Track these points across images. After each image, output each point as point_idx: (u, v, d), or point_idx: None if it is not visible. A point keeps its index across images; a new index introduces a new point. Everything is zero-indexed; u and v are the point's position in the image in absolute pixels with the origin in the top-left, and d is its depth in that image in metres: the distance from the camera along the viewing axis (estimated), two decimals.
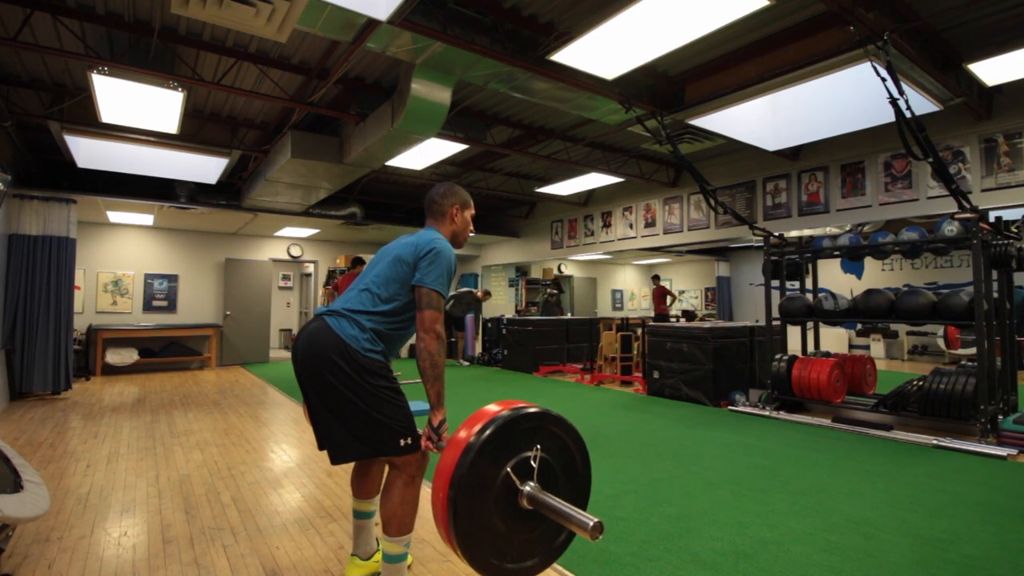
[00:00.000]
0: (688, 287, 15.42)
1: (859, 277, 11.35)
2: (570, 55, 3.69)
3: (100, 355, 8.29)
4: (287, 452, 4.00)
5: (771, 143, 5.74)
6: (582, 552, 2.29)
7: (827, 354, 5.55)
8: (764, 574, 2.12)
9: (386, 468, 1.94)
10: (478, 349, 10.60)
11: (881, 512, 2.75)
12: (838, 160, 6.17)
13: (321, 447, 1.87)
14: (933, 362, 9.82)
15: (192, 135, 5.83)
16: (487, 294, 9.54)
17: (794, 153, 6.50)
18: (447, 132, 5.43)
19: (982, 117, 5.02)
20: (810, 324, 5.86)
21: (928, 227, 4.93)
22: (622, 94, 4.50)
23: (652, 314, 12.55)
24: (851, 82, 4.59)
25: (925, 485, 3.17)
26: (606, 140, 6.66)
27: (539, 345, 8.62)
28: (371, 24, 3.30)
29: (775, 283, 5.69)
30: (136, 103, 4.40)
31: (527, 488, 1.53)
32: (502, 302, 12.63)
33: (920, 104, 4.35)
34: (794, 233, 6.98)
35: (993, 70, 4.22)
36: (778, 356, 5.29)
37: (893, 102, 3.69)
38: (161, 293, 9.29)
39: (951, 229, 4.49)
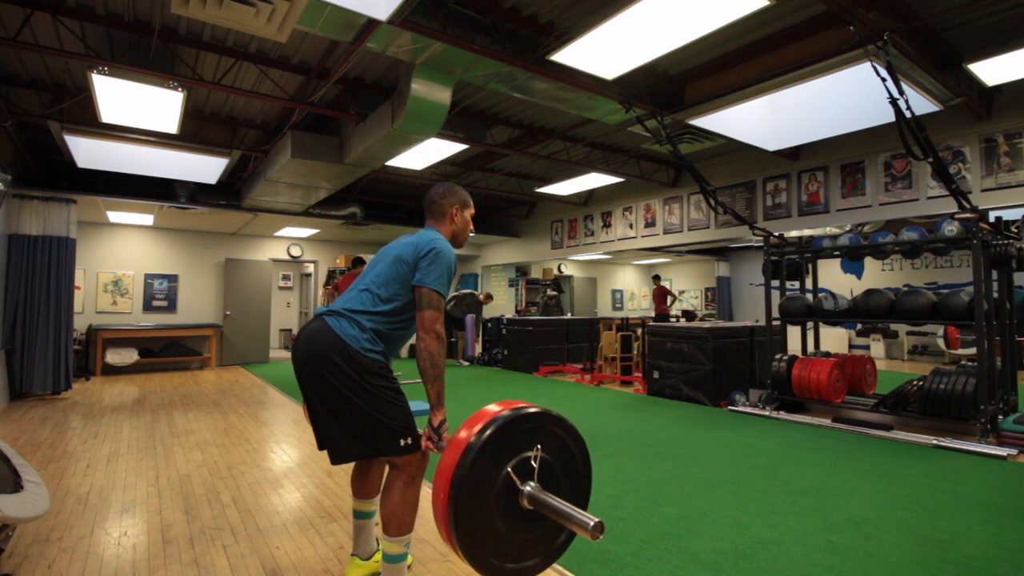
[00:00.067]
0: (688, 287, 15.42)
1: (859, 277, 11.35)
2: (570, 55, 3.69)
3: (100, 355, 8.29)
4: (287, 452, 4.00)
5: (771, 143, 5.74)
6: (582, 552, 2.29)
7: (827, 354, 5.55)
8: (764, 574, 2.12)
9: (386, 468, 1.94)
10: (478, 349, 10.60)
11: (881, 512, 2.75)
12: (838, 160, 6.17)
13: (321, 447, 1.87)
14: (933, 362, 9.82)
15: (192, 135, 5.83)
16: (489, 297, 9.55)
17: (794, 153, 6.50)
18: (447, 132, 5.43)
19: (982, 117, 5.02)
20: (810, 324, 5.87)
21: (928, 227, 4.93)
22: (622, 94, 4.50)
23: (652, 314, 12.55)
24: (851, 82, 4.59)
25: (925, 485, 3.17)
26: (606, 140, 6.66)
27: (539, 345, 8.62)
28: (371, 24, 3.30)
29: (775, 283, 5.69)
30: (136, 103, 4.40)
31: (528, 488, 1.53)
32: (502, 302, 12.63)
33: (920, 104, 4.35)
34: (794, 233, 6.98)
35: (993, 70, 4.22)
36: (778, 356, 5.29)
37: (893, 102, 3.69)
38: (161, 293, 9.29)
39: (951, 229, 4.49)
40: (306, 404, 1.92)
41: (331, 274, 10.56)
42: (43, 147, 6.40)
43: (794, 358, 5.23)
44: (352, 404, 1.76)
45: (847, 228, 7.38)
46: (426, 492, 2.75)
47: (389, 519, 1.80)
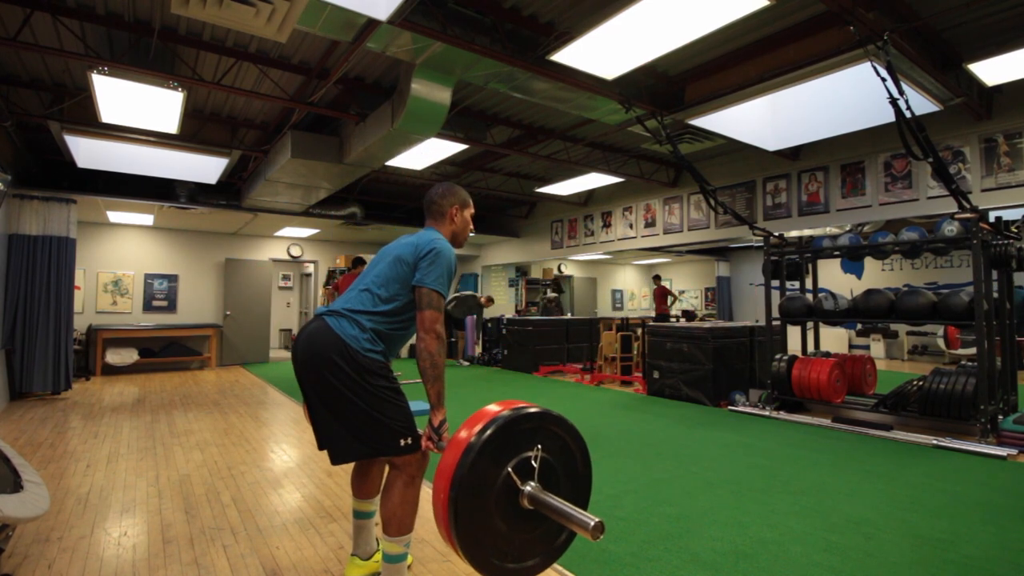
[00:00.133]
0: (688, 287, 15.42)
1: (859, 277, 11.35)
2: (570, 55, 3.69)
3: (100, 355, 8.29)
4: (287, 452, 4.00)
5: (771, 143, 5.74)
6: (582, 552, 2.29)
7: (827, 354, 5.55)
8: (764, 574, 2.12)
9: (386, 468, 1.94)
10: (478, 349, 10.60)
11: (881, 512, 2.75)
12: (838, 160, 6.17)
13: (321, 447, 1.87)
14: (933, 362, 9.82)
15: (192, 135, 5.83)
16: (490, 300, 9.55)
17: (794, 153, 6.50)
18: (447, 132, 5.43)
19: (982, 117, 5.02)
20: (810, 324, 5.86)
21: (928, 227, 4.93)
22: (622, 94, 4.50)
23: (652, 314, 12.55)
24: (851, 82, 4.59)
25: (925, 485, 3.17)
26: (606, 140, 6.66)
27: (539, 345, 8.62)
28: (371, 24, 3.30)
29: (775, 283, 5.69)
30: (136, 103, 4.40)
31: (528, 488, 1.53)
32: (502, 302, 12.63)
33: (920, 104, 4.35)
34: (794, 233, 6.98)
35: (993, 70, 4.23)
36: (778, 356, 5.29)
37: (893, 102, 3.69)
38: (161, 293, 9.29)
39: (951, 229, 4.49)
40: (306, 404, 1.92)
41: (331, 274, 10.56)
42: (43, 147, 6.40)
43: (794, 358, 5.23)
44: (352, 404, 1.77)
45: (847, 228, 7.38)
46: (426, 492, 2.75)
47: (389, 519, 1.80)
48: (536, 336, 8.63)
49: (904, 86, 3.81)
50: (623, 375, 7.37)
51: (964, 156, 5.20)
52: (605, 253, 10.22)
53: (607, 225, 9.03)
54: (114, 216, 8.27)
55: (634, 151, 7.16)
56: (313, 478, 3.39)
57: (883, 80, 3.62)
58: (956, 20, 3.95)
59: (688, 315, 11.46)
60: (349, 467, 2.73)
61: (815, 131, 5.39)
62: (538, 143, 6.43)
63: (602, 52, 3.65)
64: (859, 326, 10.89)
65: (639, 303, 16.44)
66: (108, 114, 4.59)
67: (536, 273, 13.70)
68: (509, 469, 1.52)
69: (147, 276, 9.20)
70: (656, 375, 6.29)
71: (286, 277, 12.47)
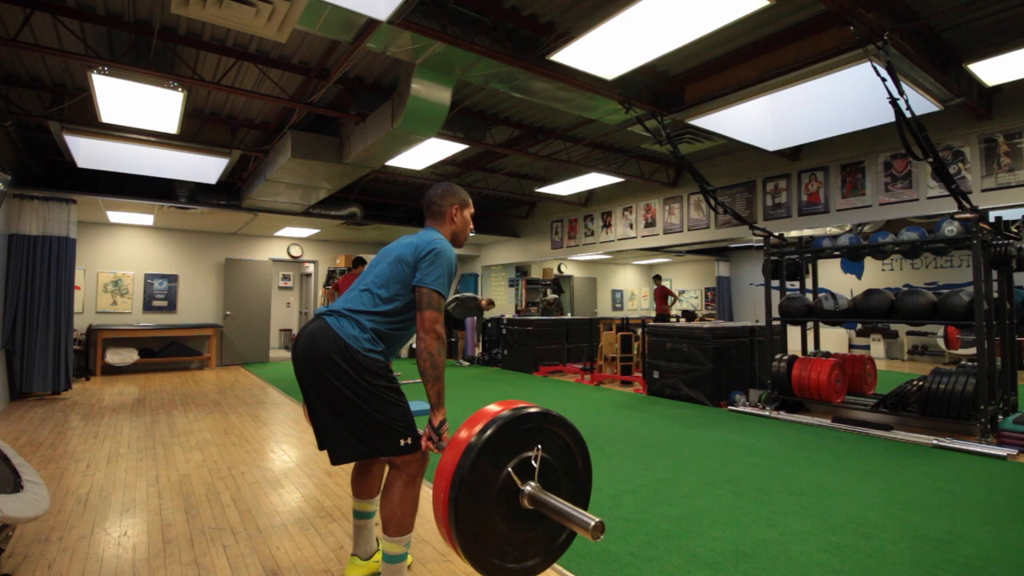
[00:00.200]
0: (688, 287, 15.42)
1: (859, 277, 11.35)
2: (570, 55, 3.69)
3: (100, 355, 8.29)
4: (287, 452, 4.00)
5: (771, 143, 5.74)
6: (582, 552, 2.29)
7: (827, 354, 5.55)
8: (764, 574, 2.12)
9: (386, 468, 1.94)
10: (478, 350, 10.61)
11: (881, 512, 2.75)
12: (838, 160, 6.17)
13: (321, 447, 1.87)
14: (933, 362, 9.82)
15: (192, 135, 5.83)
16: (491, 304, 9.55)
17: (794, 153, 6.50)
18: (447, 132, 5.43)
19: (982, 117, 5.02)
20: (810, 324, 5.86)
21: (928, 227, 4.93)
22: (622, 94, 4.50)
23: (652, 314, 12.54)
24: (851, 82, 4.59)
25: (925, 485, 3.18)
26: (606, 140, 6.66)
27: (539, 345, 8.62)
28: (371, 24, 3.30)
29: (775, 283, 5.69)
30: (136, 103, 4.40)
31: (528, 488, 1.53)
32: (502, 302, 12.63)
33: (920, 104, 4.35)
34: (794, 233, 6.98)
35: (993, 70, 4.22)
36: (778, 356, 5.29)
37: (893, 102, 3.69)
38: (161, 293, 9.29)
39: (951, 229, 4.49)
40: (306, 404, 1.92)
41: (331, 274, 10.56)
42: (43, 147, 6.40)
43: (794, 358, 5.23)
44: (352, 404, 1.77)
45: (847, 228, 7.38)
46: (426, 492, 2.75)
47: (389, 519, 1.80)
48: (536, 336, 8.63)
49: (904, 86, 3.81)
50: (623, 375, 7.37)
51: (964, 156, 5.20)
52: (605, 253, 10.22)
53: (607, 225, 9.03)
54: (114, 216, 8.27)
55: (634, 151, 7.16)
56: (313, 478, 3.39)
57: (883, 80, 3.63)
58: (956, 20, 3.95)
59: (688, 315, 11.46)
60: (349, 467, 2.73)
61: (815, 131, 5.39)
62: (538, 143, 6.43)
63: (602, 52, 3.65)
64: (859, 326, 10.90)
65: (639, 303, 16.44)
66: (108, 114, 4.59)
67: (536, 273, 13.70)
68: (509, 469, 1.52)
69: (147, 276, 9.20)
70: (656, 375, 6.29)
71: (286, 277, 12.47)
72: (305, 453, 3.96)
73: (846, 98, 4.99)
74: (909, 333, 10.46)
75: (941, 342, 9.70)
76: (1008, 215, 5.11)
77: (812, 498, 2.95)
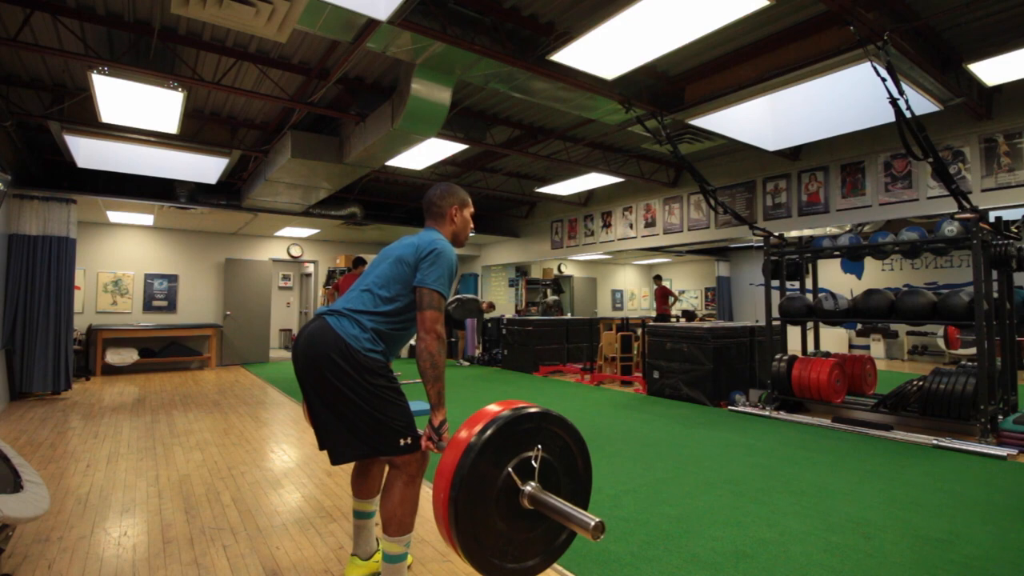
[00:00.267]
0: (688, 287, 15.42)
1: (859, 277, 11.35)
2: (570, 55, 3.69)
3: (100, 355, 8.29)
4: (287, 452, 4.00)
5: (771, 143, 5.74)
6: (582, 552, 2.29)
7: (827, 354, 5.55)
8: (764, 574, 2.12)
9: (386, 468, 1.94)
10: (478, 350, 10.61)
11: (881, 512, 2.75)
12: (838, 160, 6.17)
13: (322, 447, 1.87)
14: (933, 362, 9.82)
15: (192, 135, 5.83)
16: (491, 306, 9.56)
17: (794, 153, 6.50)
18: (447, 132, 5.43)
19: (982, 117, 5.02)
20: (810, 324, 5.86)
21: (928, 227, 4.93)
22: (622, 94, 4.50)
23: (652, 314, 12.54)
24: (851, 82, 4.59)
25: (925, 485, 3.18)
26: (606, 140, 6.66)
27: (539, 345, 8.62)
28: (371, 24, 3.30)
29: (775, 283, 5.69)
30: (136, 103, 4.40)
31: (528, 488, 1.53)
32: (502, 302, 12.63)
33: (920, 104, 4.35)
34: (794, 233, 6.98)
35: (993, 70, 4.22)
36: (778, 356, 5.29)
37: (893, 102, 3.69)
38: (161, 293, 9.29)
39: (951, 229, 4.49)
40: (306, 404, 1.92)
41: (331, 274, 10.56)
42: (43, 147, 6.40)
43: (794, 358, 5.23)
44: (352, 404, 1.77)
45: (847, 228, 7.38)
46: (426, 492, 2.75)
47: (389, 519, 1.81)
48: (536, 336, 8.63)
49: (904, 86, 3.81)
50: (623, 375, 7.38)
51: (964, 156, 5.20)
52: (605, 253, 10.22)
53: (607, 225, 9.03)
54: (114, 216, 8.27)
55: (634, 151, 7.16)
56: (313, 478, 3.39)
57: (883, 80, 3.63)
58: (956, 20, 3.95)
59: (688, 315, 11.46)
60: (349, 467, 2.73)
61: (815, 131, 5.39)
62: (538, 143, 6.43)
63: (602, 52, 3.65)
64: (859, 326, 10.90)
65: (639, 303, 16.44)
66: (108, 114, 4.59)
67: (536, 273, 13.70)
68: (509, 469, 1.52)
69: (147, 276, 9.20)
70: (656, 375, 6.29)
71: (286, 277, 12.47)
72: (305, 453, 3.96)
73: (846, 98, 5.00)
74: (909, 333, 10.46)
75: (941, 342, 9.70)
76: (1008, 215, 5.10)
77: (812, 498, 2.95)
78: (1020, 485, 3.18)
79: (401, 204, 9.61)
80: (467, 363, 9.97)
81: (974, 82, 4.60)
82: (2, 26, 3.79)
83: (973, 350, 5.31)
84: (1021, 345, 7.02)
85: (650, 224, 8.31)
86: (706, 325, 6.26)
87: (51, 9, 3.56)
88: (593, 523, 1.38)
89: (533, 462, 1.55)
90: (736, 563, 2.20)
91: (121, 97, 4.27)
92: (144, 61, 4.01)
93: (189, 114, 5.44)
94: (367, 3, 3.00)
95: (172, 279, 9.41)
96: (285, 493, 3.12)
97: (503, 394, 6.56)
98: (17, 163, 6.20)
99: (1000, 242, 4.38)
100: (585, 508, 1.66)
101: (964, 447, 3.91)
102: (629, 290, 16.25)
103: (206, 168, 6.50)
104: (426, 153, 5.95)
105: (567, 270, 14.29)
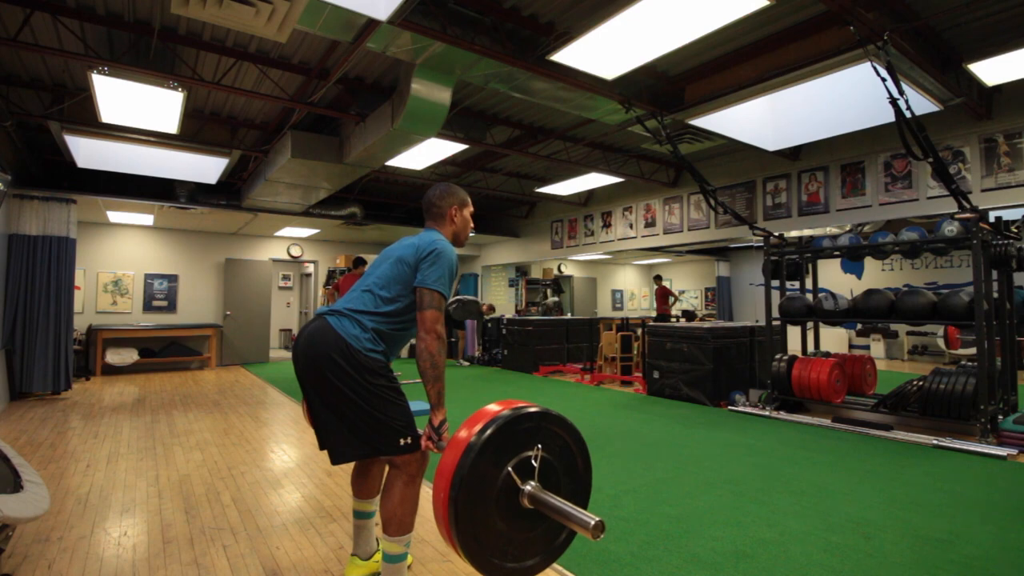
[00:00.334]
0: (688, 287, 15.42)
1: (859, 277, 11.35)
2: (570, 55, 3.69)
3: (100, 355, 8.29)
4: (287, 452, 4.00)
5: (771, 143, 5.74)
6: (582, 552, 2.29)
7: (827, 354, 5.55)
8: (764, 574, 2.12)
9: (386, 468, 1.94)
10: (478, 350, 10.61)
11: (881, 512, 2.75)
12: (838, 160, 6.17)
13: (322, 447, 1.87)
14: (933, 362, 9.82)
15: (192, 135, 5.83)
16: (491, 309, 9.59)
17: (794, 153, 6.50)
18: (447, 132, 5.43)
19: (982, 117, 5.02)
20: (810, 324, 5.86)
21: (928, 227, 4.93)
22: (622, 94, 4.50)
23: (652, 314, 12.54)
24: (851, 82, 4.59)
25: (925, 485, 3.18)
26: (606, 140, 6.66)
27: (539, 345, 8.62)
28: (371, 24, 3.30)
29: (775, 283, 5.69)
30: (136, 103, 4.40)
31: (528, 487, 1.53)
32: (502, 302, 12.63)
33: (920, 104, 4.35)
34: (794, 233, 6.98)
35: (993, 70, 4.22)
36: (778, 356, 5.29)
37: (893, 102, 3.69)
38: (161, 293, 9.29)
39: (951, 229, 4.49)
40: (306, 404, 1.92)
41: (331, 274, 10.56)
42: (43, 147, 6.40)
43: (794, 358, 5.23)
44: (353, 403, 1.77)
45: (847, 228, 7.38)
46: (426, 492, 2.75)
47: (389, 519, 1.81)
48: (536, 336, 8.63)
49: (904, 86, 3.81)
50: (623, 375, 7.37)
51: (964, 156, 5.20)
52: (605, 253, 10.22)
53: (607, 225, 9.03)
54: (114, 216, 8.27)
55: (634, 151, 7.16)
56: (313, 478, 3.39)
57: (883, 80, 3.63)
58: (956, 20, 3.95)
59: (688, 315, 11.46)
60: (349, 467, 2.73)
61: (815, 131, 5.39)
62: (538, 143, 6.43)
63: (602, 52, 3.65)
64: (859, 326, 10.89)
65: (639, 303, 16.44)
66: (108, 114, 4.59)
67: (536, 273, 13.70)
68: (509, 469, 1.52)
69: (147, 276, 9.20)
70: (656, 375, 6.29)
71: (286, 277, 12.47)
72: (305, 453, 3.96)
73: (846, 98, 5.00)
74: (909, 333, 10.46)
75: (941, 342, 9.70)
76: (1008, 215, 5.10)
77: (812, 498, 2.95)
78: (1020, 485, 3.18)
79: (401, 204, 9.61)
80: (467, 363, 9.97)
81: (974, 82, 4.60)
82: (2, 26, 3.79)
83: (973, 350, 5.31)
84: (1021, 345, 7.02)
85: (650, 224, 8.31)
86: (706, 325, 6.26)
87: (51, 9, 3.56)
88: (593, 523, 1.38)
89: (533, 462, 1.55)
90: (736, 563, 2.20)
91: (121, 97, 4.27)
92: (144, 61, 4.01)
93: (189, 114, 5.44)
94: (367, 3, 3.00)
95: (172, 279, 9.41)
96: (285, 493, 3.12)
97: (503, 394, 6.56)
98: (17, 163, 6.20)
99: (1000, 242, 4.38)
100: (585, 508, 1.66)
101: (964, 447, 3.91)
102: (629, 290, 16.25)
103: (206, 168, 6.50)
104: (426, 153, 5.95)
105: (567, 270, 14.29)
